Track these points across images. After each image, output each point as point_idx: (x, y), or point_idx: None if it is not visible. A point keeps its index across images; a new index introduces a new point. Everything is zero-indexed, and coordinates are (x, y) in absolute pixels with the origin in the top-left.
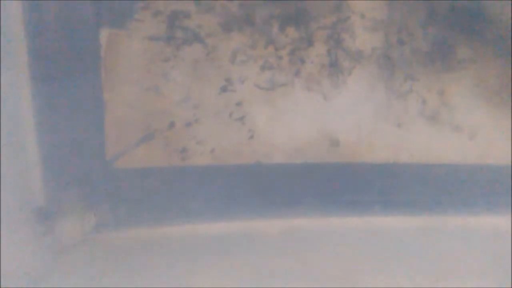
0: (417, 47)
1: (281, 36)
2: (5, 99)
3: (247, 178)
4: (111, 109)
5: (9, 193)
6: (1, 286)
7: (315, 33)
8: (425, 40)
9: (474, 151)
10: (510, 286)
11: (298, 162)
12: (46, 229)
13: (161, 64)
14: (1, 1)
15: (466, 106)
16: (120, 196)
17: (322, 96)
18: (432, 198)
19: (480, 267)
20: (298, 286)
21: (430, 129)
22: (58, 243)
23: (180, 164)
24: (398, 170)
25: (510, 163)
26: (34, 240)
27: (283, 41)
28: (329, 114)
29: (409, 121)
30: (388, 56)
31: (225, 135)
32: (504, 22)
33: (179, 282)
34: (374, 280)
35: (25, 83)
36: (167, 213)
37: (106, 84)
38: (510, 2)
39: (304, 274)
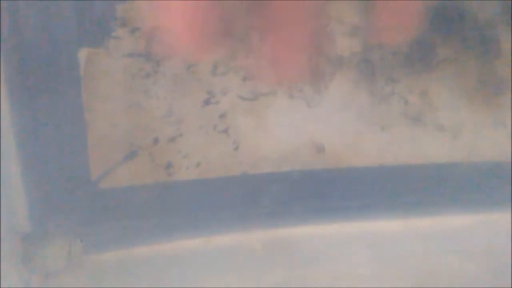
0: (396, 49)
1: (261, 46)
2: None
3: (234, 189)
4: (93, 128)
5: None
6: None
7: (294, 40)
8: (404, 41)
9: (459, 150)
10: (510, 287)
11: (284, 170)
12: (33, 255)
13: (141, 80)
14: None
15: (449, 106)
16: (107, 216)
17: (305, 103)
18: (419, 199)
19: (474, 267)
20: None
21: (414, 130)
22: (44, 268)
23: (166, 180)
24: (384, 172)
25: (495, 160)
26: (20, 266)
27: (263, 50)
28: (313, 121)
29: (392, 123)
30: (368, 60)
31: (210, 148)
32: (483, 20)
33: None
34: (365, 286)
35: (3, 107)
36: (155, 230)
37: (87, 104)
38: (489, 1)
39: (294, 285)
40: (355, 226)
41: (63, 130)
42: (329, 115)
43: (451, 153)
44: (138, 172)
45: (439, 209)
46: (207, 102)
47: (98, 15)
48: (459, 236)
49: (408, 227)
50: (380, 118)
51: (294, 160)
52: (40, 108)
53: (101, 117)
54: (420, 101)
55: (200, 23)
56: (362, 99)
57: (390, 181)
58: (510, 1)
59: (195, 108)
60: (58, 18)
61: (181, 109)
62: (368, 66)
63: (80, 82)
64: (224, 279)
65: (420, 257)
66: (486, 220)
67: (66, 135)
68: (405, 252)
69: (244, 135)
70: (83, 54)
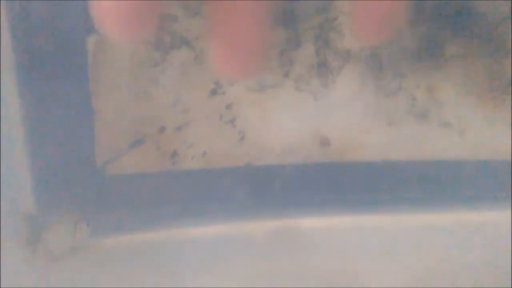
0: (405, 45)
1: None
2: None
3: (239, 180)
4: (100, 115)
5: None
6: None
7: (303, 33)
8: (413, 37)
9: (464, 147)
10: (510, 287)
11: (289, 162)
12: (38, 238)
13: (149, 69)
14: None
15: (455, 102)
16: (111, 202)
17: (312, 96)
18: (423, 195)
19: (476, 263)
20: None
21: (420, 126)
22: (49, 252)
23: (172, 169)
24: (389, 168)
25: (500, 158)
26: (25, 250)
27: (272, 43)
28: (319, 114)
29: (398, 119)
30: (376, 55)
31: (216, 138)
32: (490, 17)
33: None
34: (368, 280)
35: (12, 92)
36: (159, 218)
37: (94, 91)
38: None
39: (297, 275)
40: (359, 220)
41: (70, 116)
42: (335, 109)
43: (456, 150)
44: (143, 160)
45: (443, 205)
46: (213, 93)
47: None
48: (463, 232)
49: (411, 222)
50: (386, 113)
51: (299, 152)
52: (48, 94)
53: (108, 104)
54: (427, 97)
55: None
56: (369, 93)
57: (394, 176)
58: (510, 1)
59: (201, 98)
60: (67, 5)
61: (188, 99)
62: (376, 60)
63: (88, 69)
64: (227, 268)
65: (422, 252)
66: (490, 217)
67: (73, 121)
68: (407, 247)
69: (249, 126)
70: (91, 41)
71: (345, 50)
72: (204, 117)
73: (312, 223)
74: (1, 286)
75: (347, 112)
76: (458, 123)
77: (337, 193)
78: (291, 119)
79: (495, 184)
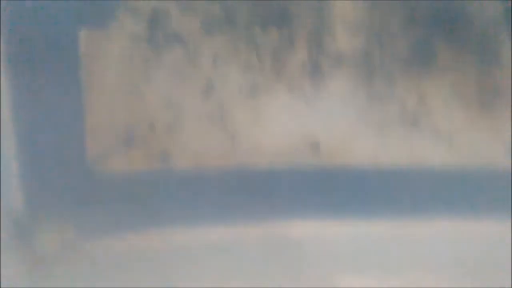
0: (397, 50)
1: (263, 38)
2: None
3: (229, 181)
4: (91, 113)
5: None
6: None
7: (296, 35)
8: (406, 43)
9: (454, 155)
10: (510, 287)
11: (280, 166)
12: (25, 239)
13: (141, 66)
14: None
15: (446, 110)
16: (101, 202)
17: (304, 99)
18: (413, 202)
19: (467, 271)
20: None
21: (410, 133)
22: (37, 253)
23: (162, 168)
24: (379, 173)
25: (489, 166)
26: (13, 251)
27: (265, 43)
28: (311, 117)
29: (389, 125)
30: (369, 59)
31: (207, 139)
32: (484, 24)
33: None
34: (357, 284)
35: (1, 89)
36: (149, 218)
37: (86, 87)
38: (490, 2)
39: (286, 278)
40: (348, 224)
41: (60, 114)
42: (326, 113)
43: (445, 157)
44: (133, 159)
45: (432, 211)
46: (206, 92)
47: None
48: (453, 240)
49: (401, 228)
50: (377, 118)
51: (289, 156)
52: (38, 91)
53: (99, 101)
54: (417, 104)
55: None
56: (360, 98)
57: (384, 183)
58: (511, 11)
59: (193, 97)
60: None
61: (180, 98)
62: (368, 65)
63: (79, 65)
64: (217, 272)
65: (413, 259)
66: (480, 225)
67: (63, 118)
68: (397, 253)
69: (241, 128)
70: (83, 36)
71: (338, 53)
72: (196, 117)
73: (301, 226)
74: None
75: (338, 116)
76: (448, 131)
77: (327, 196)
78: (283, 121)
79: (485, 192)
